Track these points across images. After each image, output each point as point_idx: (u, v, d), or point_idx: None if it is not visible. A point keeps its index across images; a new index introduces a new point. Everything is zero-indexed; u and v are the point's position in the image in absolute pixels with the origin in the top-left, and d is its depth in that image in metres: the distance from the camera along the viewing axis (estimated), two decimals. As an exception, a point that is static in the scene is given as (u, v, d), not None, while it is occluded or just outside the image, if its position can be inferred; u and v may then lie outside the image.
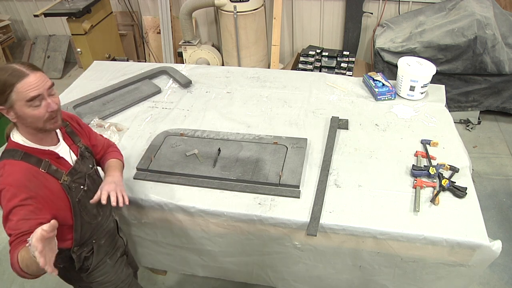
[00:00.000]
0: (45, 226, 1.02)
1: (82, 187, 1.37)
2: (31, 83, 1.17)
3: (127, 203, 1.41)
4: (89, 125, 2.07)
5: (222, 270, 1.95)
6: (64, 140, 1.39)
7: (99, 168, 1.59)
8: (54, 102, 1.23)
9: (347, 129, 2.01)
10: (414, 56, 2.35)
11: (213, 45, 4.41)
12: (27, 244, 1.07)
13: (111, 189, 1.39)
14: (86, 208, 1.40)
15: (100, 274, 1.54)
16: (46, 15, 3.77)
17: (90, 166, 1.45)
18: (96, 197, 1.37)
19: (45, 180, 1.25)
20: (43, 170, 1.25)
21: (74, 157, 1.39)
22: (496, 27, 3.00)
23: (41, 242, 1.01)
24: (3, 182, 1.20)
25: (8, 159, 1.23)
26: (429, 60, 2.20)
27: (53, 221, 1.05)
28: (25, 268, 1.14)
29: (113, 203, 1.37)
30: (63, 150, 1.37)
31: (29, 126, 1.24)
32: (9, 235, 1.20)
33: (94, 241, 1.49)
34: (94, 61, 2.81)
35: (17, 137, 1.27)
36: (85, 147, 1.46)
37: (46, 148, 1.30)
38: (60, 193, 1.29)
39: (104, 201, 1.36)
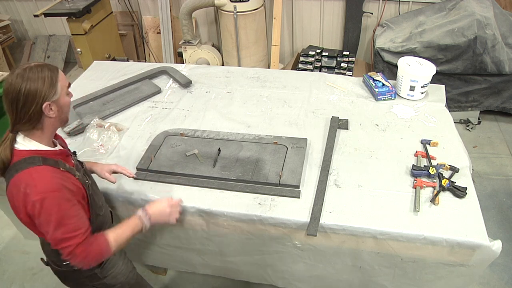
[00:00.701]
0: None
1: (87, 181, 1.41)
2: (62, 72, 1.29)
3: (133, 174, 1.69)
4: (88, 125, 2.09)
5: (222, 269, 1.95)
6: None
7: None
8: None
9: (347, 129, 2.01)
10: (414, 56, 2.35)
11: (213, 45, 4.41)
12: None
13: (112, 168, 1.62)
14: (95, 200, 1.42)
15: (111, 265, 1.55)
16: (46, 15, 3.77)
17: (81, 163, 1.50)
18: (113, 179, 1.61)
19: (68, 178, 1.27)
20: (62, 169, 1.27)
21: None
22: (496, 27, 3.00)
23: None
24: (41, 191, 1.17)
25: (30, 167, 1.20)
26: (429, 60, 2.20)
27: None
28: (119, 245, 1.34)
29: (131, 175, 1.66)
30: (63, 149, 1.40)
31: (63, 117, 1.31)
32: (66, 239, 1.21)
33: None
34: (94, 61, 2.82)
35: (29, 144, 1.26)
36: (67, 148, 1.49)
37: (56, 148, 1.33)
38: (81, 188, 1.33)
39: (115, 180, 1.61)
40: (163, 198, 1.54)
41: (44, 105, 1.20)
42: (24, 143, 1.26)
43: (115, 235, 1.34)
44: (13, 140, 1.26)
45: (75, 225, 1.22)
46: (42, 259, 1.54)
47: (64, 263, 1.43)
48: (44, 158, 1.24)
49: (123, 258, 1.64)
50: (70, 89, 1.34)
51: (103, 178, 1.62)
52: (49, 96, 1.21)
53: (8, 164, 1.24)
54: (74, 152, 1.49)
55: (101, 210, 1.49)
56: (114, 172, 1.65)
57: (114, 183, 1.64)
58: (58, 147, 1.36)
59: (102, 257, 1.32)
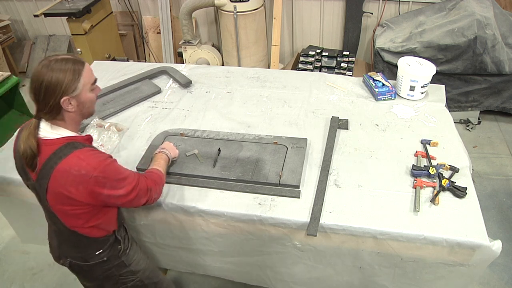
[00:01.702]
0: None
1: None
2: (89, 68, 1.31)
3: None
4: (88, 125, 2.09)
5: (222, 270, 1.95)
6: None
7: None
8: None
9: (347, 129, 2.01)
10: (414, 56, 2.35)
11: (213, 45, 4.41)
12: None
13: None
14: None
15: (133, 252, 1.60)
16: (46, 15, 3.77)
17: None
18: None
19: None
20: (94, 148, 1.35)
21: None
22: (496, 27, 3.00)
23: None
24: (96, 165, 1.25)
25: (75, 151, 1.26)
26: (429, 60, 2.20)
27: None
28: (165, 175, 1.59)
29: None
30: None
31: (86, 112, 1.33)
32: (137, 185, 1.36)
33: (123, 221, 1.59)
34: (94, 61, 2.81)
35: (61, 131, 1.29)
36: None
37: (84, 134, 1.39)
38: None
39: None
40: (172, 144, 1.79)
41: (62, 100, 1.22)
42: (53, 131, 1.28)
43: (156, 166, 1.56)
44: (37, 127, 1.27)
45: (129, 172, 1.37)
46: (59, 261, 1.53)
47: (97, 253, 1.46)
48: (80, 143, 1.30)
49: (138, 246, 1.69)
50: None
51: None
52: (68, 91, 1.22)
53: (36, 152, 1.25)
54: None
55: None
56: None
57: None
58: (84, 133, 1.42)
59: (163, 179, 1.54)
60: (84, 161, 1.24)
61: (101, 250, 1.46)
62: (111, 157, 1.35)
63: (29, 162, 1.27)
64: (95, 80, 1.32)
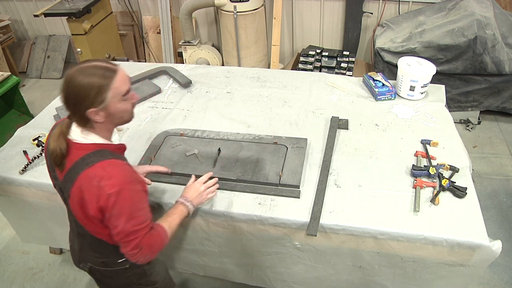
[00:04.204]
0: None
1: None
2: (123, 77, 1.21)
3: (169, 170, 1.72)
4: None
5: (222, 270, 1.95)
6: None
7: None
8: (135, 93, 1.29)
9: (347, 129, 2.01)
10: (414, 56, 2.35)
11: (213, 45, 4.41)
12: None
13: (147, 169, 1.68)
14: None
15: (156, 262, 1.56)
16: (46, 15, 3.77)
17: None
18: (149, 181, 1.64)
19: (134, 170, 1.29)
20: (126, 162, 1.29)
21: None
22: (496, 27, 3.00)
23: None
24: (116, 184, 1.17)
25: (103, 161, 1.21)
26: (429, 60, 2.20)
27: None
28: (172, 233, 1.38)
29: (168, 171, 1.71)
30: None
31: (117, 121, 1.28)
32: (134, 231, 1.23)
33: None
34: (94, 61, 2.81)
35: (93, 137, 1.25)
36: None
37: (116, 143, 1.34)
38: (142, 180, 1.33)
39: (150, 182, 1.66)
40: (193, 182, 1.57)
41: (88, 111, 1.18)
42: (83, 135, 1.25)
43: (168, 224, 1.37)
44: (68, 128, 1.25)
45: (144, 216, 1.25)
46: (79, 265, 1.50)
47: (119, 261, 1.41)
48: (111, 152, 1.26)
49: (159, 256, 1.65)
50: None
51: None
52: (94, 103, 1.17)
53: (65, 153, 1.23)
54: None
55: None
56: (149, 173, 1.68)
57: (149, 185, 1.64)
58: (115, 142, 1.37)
59: (163, 246, 1.34)
60: (107, 174, 1.18)
61: (124, 258, 1.39)
62: (139, 182, 1.25)
63: (58, 161, 1.24)
64: (127, 91, 1.23)
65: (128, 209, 1.20)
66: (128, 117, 1.30)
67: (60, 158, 1.23)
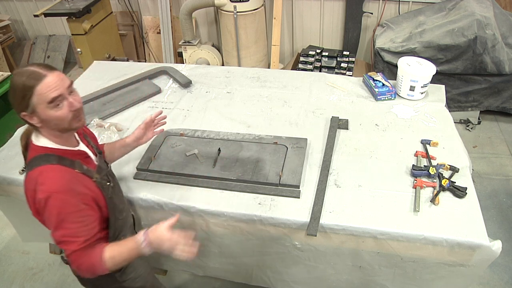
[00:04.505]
0: (172, 222, 1.26)
1: (108, 183, 1.38)
2: (50, 83, 1.14)
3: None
4: (88, 125, 2.09)
5: (222, 270, 1.95)
6: (81, 140, 1.40)
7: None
8: (76, 101, 1.21)
9: (347, 129, 2.01)
10: (414, 56, 2.35)
11: (213, 45, 4.41)
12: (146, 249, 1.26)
13: (141, 127, 1.62)
14: (115, 204, 1.41)
15: (132, 269, 1.52)
16: (46, 15, 3.78)
17: (106, 164, 1.47)
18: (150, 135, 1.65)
19: (83, 180, 1.25)
20: (78, 171, 1.25)
21: (93, 156, 1.40)
22: (496, 27, 3.00)
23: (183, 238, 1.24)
24: (47, 190, 1.16)
25: (44, 165, 1.20)
26: (429, 60, 2.20)
27: (176, 216, 1.28)
28: (114, 264, 1.25)
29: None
30: (86, 149, 1.37)
31: (54, 128, 1.21)
32: (64, 242, 1.20)
33: (122, 237, 1.48)
34: (94, 61, 2.81)
35: (43, 141, 1.24)
36: (96, 147, 1.47)
37: (75, 148, 1.30)
38: (96, 192, 1.29)
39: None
40: (168, 227, 1.28)
41: (21, 115, 1.18)
42: (39, 138, 1.25)
43: (112, 254, 1.25)
44: (31, 130, 1.26)
45: (75, 231, 1.20)
46: (62, 257, 1.50)
47: None
48: (60, 157, 1.23)
49: (144, 261, 1.61)
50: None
51: (145, 141, 1.67)
52: (21, 107, 1.16)
53: (25, 152, 1.26)
54: (100, 152, 1.46)
55: (121, 214, 1.46)
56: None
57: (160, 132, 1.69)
58: (79, 147, 1.33)
59: (94, 272, 1.25)
60: (43, 179, 1.17)
61: None
62: (79, 194, 1.20)
63: (25, 159, 1.28)
64: (54, 98, 1.14)
65: (55, 217, 1.17)
66: (66, 125, 1.21)
67: (24, 156, 1.27)
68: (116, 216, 1.40)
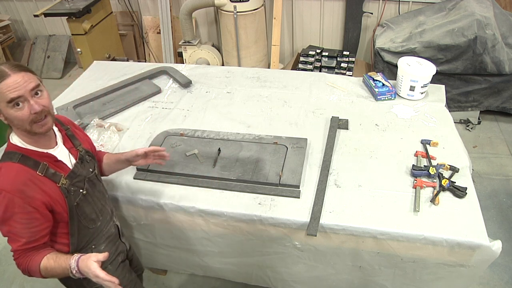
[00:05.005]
0: (100, 258, 1.21)
1: (81, 190, 1.36)
2: (10, 84, 1.14)
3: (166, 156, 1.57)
4: (88, 125, 2.09)
5: (222, 270, 1.95)
6: (64, 143, 1.38)
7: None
8: (37, 104, 1.19)
9: (347, 129, 2.01)
10: (414, 56, 2.35)
11: (213, 45, 4.41)
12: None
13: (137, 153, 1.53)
14: (85, 212, 1.39)
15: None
16: (46, 15, 3.78)
17: (91, 170, 1.44)
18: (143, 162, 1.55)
19: (42, 184, 1.24)
20: (40, 174, 1.24)
21: (74, 161, 1.38)
22: (496, 27, 3.00)
23: (107, 277, 1.18)
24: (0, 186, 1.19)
25: (6, 162, 1.23)
26: (429, 60, 2.20)
27: (106, 254, 1.23)
28: (47, 275, 1.26)
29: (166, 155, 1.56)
30: (62, 153, 1.35)
31: (19, 128, 1.22)
32: (8, 238, 1.24)
33: (93, 247, 1.47)
34: (94, 61, 2.81)
35: (15, 139, 1.26)
36: (85, 151, 1.44)
37: (44, 150, 1.29)
38: (58, 197, 1.28)
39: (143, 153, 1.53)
40: (95, 262, 1.22)
41: None
42: (13, 136, 1.27)
43: (48, 265, 1.25)
44: (11, 130, 1.28)
45: (18, 230, 1.22)
46: None
47: None
48: (24, 156, 1.24)
49: (120, 271, 1.58)
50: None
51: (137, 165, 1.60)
52: None
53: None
54: (83, 158, 1.41)
55: (93, 223, 1.44)
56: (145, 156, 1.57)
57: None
58: (52, 150, 1.31)
59: (30, 275, 1.28)
60: (0, 176, 1.20)
61: None
62: (29, 198, 1.20)
63: None
64: (12, 99, 1.15)
65: (2, 213, 1.19)
66: (27, 128, 1.20)
67: None
68: (83, 224, 1.39)
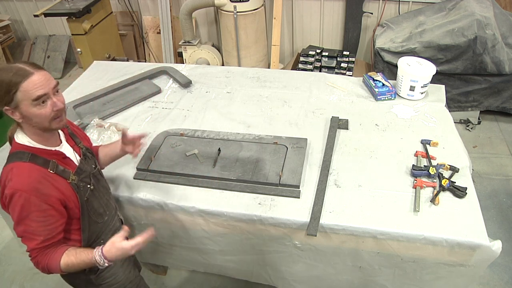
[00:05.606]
0: (123, 236, 1.27)
1: (88, 186, 1.38)
2: (36, 82, 1.17)
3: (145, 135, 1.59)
4: (88, 125, 2.09)
5: (222, 268, 1.95)
6: (66, 141, 1.39)
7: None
8: (59, 101, 1.23)
9: (347, 129, 2.01)
10: (414, 56, 2.35)
11: (213, 45, 4.41)
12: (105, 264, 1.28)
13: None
14: (93, 207, 1.41)
15: (109, 275, 1.52)
16: (46, 15, 3.78)
17: (93, 166, 1.47)
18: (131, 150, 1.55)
19: (54, 181, 1.26)
20: (51, 171, 1.26)
21: (78, 157, 1.40)
22: (496, 27, 3.00)
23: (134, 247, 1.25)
24: (13, 187, 1.19)
25: (16, 162, 1.23)
26: (429, 60, 2.20)
27: (125, 228, 1.28)
28: (67, 270, 1.29)
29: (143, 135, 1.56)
30: (67, 150, 1.37)
31: (35, 126, 1.23)
32: (24, 237, 1.25)
33: (102, 241, 1.47)
34: (94, 61, 2.81)
35: (22, 138, 1.26)
36: (86, 148, 1.46)
37: (53, 148, 1.31)
38: (69, 193, 1.30)
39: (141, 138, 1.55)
40: (122, 240, 1.28)
41: (4, 109, 1.19)
42: (19, 135, 1.27)
43: (69, 261, 1.27)
44: (16, 127, 1.28)
45: (35, 229, 1.23)
46: None
47: None
48: (34, 155, 1.25)
49: (126, 266, 1.61)
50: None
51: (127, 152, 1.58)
52: (4, 101, 1.17)
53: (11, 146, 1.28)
54: (85, 155, 1.43)
55: (101, 217, 1.46)
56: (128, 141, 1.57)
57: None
58: (59, 148, 1.33)
59: (49, 272, 1.30)
60: (11, 175, 1.20)
61: None
62: (44, 195, 1.21)
63: None
64: (39, 97, 1.17)
65: (17, 214, 1.20)
66: (47, 125, 1.22)
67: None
68: (92, 219, 1.41)
